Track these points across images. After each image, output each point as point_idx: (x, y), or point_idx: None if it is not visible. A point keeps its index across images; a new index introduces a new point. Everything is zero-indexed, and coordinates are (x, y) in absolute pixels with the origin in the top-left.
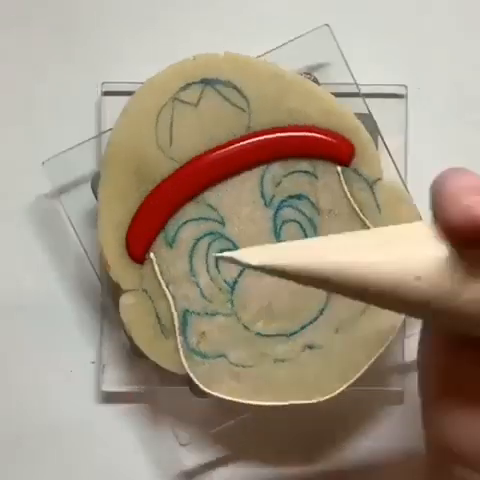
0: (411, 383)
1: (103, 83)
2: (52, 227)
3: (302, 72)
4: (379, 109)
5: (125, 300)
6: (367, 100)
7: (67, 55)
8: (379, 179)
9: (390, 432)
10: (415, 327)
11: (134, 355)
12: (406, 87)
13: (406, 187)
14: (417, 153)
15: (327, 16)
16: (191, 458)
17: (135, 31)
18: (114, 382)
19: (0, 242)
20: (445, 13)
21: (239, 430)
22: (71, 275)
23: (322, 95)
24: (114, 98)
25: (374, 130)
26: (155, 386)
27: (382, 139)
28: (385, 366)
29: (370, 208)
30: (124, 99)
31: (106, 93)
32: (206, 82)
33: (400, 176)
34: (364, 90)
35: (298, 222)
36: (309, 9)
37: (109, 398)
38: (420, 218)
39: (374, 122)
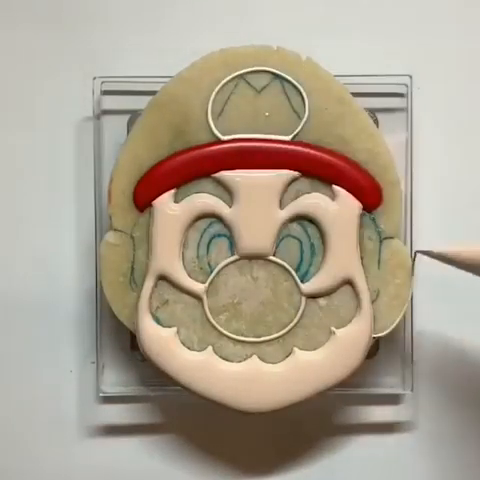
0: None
1: (103, 82)
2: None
3: (366, 109)
4: (382, 107)
5: (109, 237)
6: (369, 99)
7: (67, 54)
8: (391, 238)
9: (388, 433)
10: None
11: (132, 352)
12: (407, 86)
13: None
14: (421, 151)
15: (329, 13)
16: (190, 456)
17: (136, 30)
18: (114, 382)
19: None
20: (448, 9)
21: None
22: (71, 274)
23: (377, 138)
24: (114, 97)
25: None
26: (155, 386)
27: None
28: (383, 369)
29: (371, 260)
30: (124, 98)
31: (105, 92)
32: (277, 76)
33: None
34: (366, 88)
35: (300, 242)
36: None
37: (109, 398)
38: (411, 288)
39: (376, 121)
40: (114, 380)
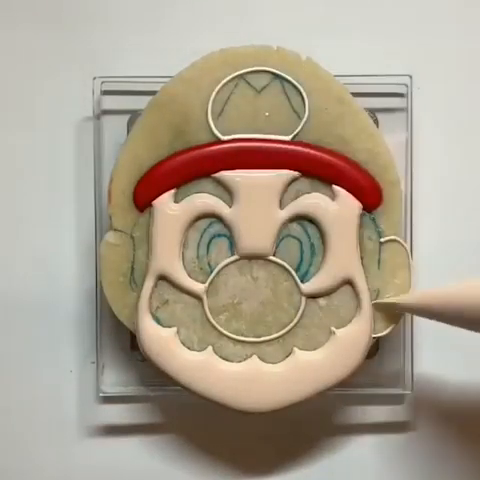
0: (408, 384)
1: (103, 82)
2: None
3: (366, 109)
4: (382, 107)
5: (109, 237)
6: (369, 99)
7: (67, 54)
8: (391, 240)
9: (388, 433)
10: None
11: (132, 352)
12: (407, 86)
13: (411, 251)
14: (421, 151)
15: (329, 13)
16: (190, 456)
17: (136, 30)
18: (114, 382)
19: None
20: (448, 9)
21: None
22: (71, 274)
23: (377, 138)
24: (113, 97)
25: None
26: (155, 386)
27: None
28: (383, 369)
29: (371, 260)
30: (124, 98)
31: (105, 92)
32: (277, 76)
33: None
34: (366, 89)
35: (300, 242)
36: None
37: (109, 398)
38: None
39: (376, 121)
40: (114, 380)
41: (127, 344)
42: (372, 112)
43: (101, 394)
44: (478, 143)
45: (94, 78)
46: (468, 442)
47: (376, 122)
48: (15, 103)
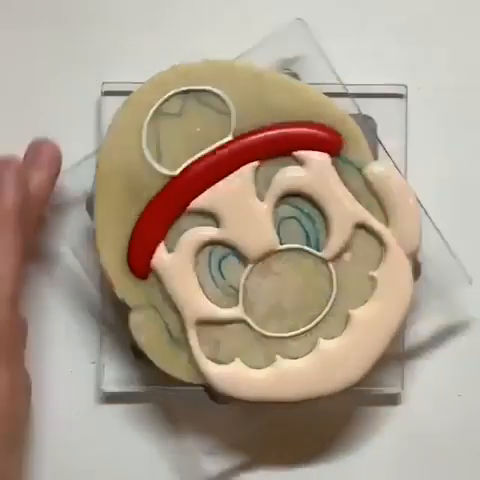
0: (409, 384)
1: (103, 83)
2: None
3: (282, 69)
4: (378, 109)
5: (134, 319)
6: (367, 100)
7: (67, 54)
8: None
9: (388, 433)
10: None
11: (134, 356)
12: (406, 87)
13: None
14: (417, 154)
15: (325, 14)
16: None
17: (136, 30)
18: (114, 382)
19: None
20: (445, 12)
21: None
22: (71, 275)
23: (302, 88)
24: (114, 98)
25: (372, 131)
26: (155, 386)
27: (379, 141)
28: (383, 368)
29: (364, 195)
30: (124, 99)
31: (106, 93)
32: (187, 92)
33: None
34: (363, 90)
35: (297, 218)
36: (298, 7)
37: (109, 398)
38: (409, 189)
39: (373, 123)
40: (114, 380)
41: (127, 344)
42: (287, 69)
43: (101, 394)
44: (477, 145)
45: (95, 79)
46: (468, 442)
47: (295, 76)
48: (15, 103)
